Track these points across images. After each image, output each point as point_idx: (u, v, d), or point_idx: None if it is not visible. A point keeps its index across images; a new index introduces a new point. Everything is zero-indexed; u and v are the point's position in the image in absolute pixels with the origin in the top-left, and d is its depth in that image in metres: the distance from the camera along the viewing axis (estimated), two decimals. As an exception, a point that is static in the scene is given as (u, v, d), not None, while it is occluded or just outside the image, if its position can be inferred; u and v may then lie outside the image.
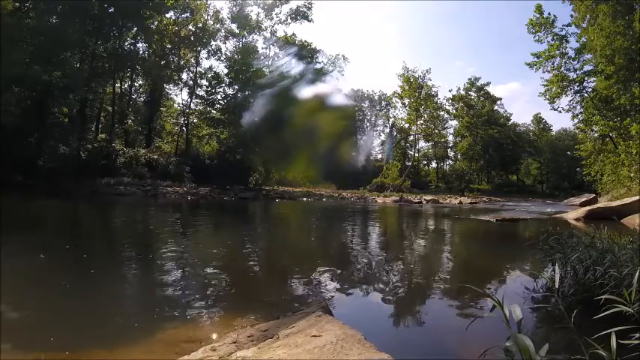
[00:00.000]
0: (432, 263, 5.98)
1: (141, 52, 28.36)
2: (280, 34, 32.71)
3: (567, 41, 23.06)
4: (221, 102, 29.64)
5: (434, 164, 52.24)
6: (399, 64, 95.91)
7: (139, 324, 2.99)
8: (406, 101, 43.14)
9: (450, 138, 49.88)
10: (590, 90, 23.18)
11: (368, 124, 52.31)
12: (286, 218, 14.39)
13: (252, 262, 5.56)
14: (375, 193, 30.09)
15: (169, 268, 4.84)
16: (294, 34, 33.03)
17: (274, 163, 28.44)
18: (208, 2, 30.63)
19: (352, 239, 8.64)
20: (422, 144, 48.70)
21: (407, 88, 41.36)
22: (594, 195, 23.49)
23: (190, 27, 29.53)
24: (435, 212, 17.40)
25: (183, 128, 31.17)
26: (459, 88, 47.71)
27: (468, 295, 3.94)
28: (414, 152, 47.13)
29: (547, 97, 24.39)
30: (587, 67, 23.09)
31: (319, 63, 35.88)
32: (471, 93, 47.78)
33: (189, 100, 30.84)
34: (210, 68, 31.15)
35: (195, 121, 31.05)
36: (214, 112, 29.95)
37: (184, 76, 31.32)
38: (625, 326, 1.58)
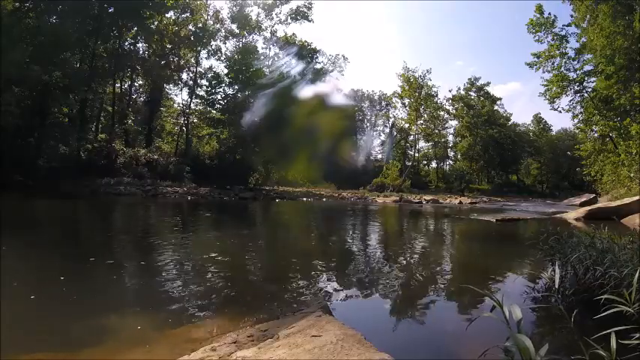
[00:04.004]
0: (431, 263, 5.97)
1: (141, 52, 28.38)
2: (280, 34, 32.77)
3: (567, 41, 23.10)
4: (221, 102, 29.64)
5: (434, 164, 52.15)
6: (399, 64, 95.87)
7: (139, 324, 2.99)
8: (406, 101, 43.13)
9: (450, 138, 49.86)
10: (590, 90, 23.19)
11: (368, 124, 52.26)
12: (286, 218, 14.39)
13: (252, 262, 5.56)
14: (375, 193, 30.07)
15: (169, 268, 4.85)
16: (294, 34, 33.10)
17: (274, 163, 28.49)
18: (208, 2, 30.66)
19: (352, 239, 8.64)
20: (422, 144, 48.61)
21: (407, 88, 41.32)
22: (594, 195, 23.47)
23: (190, 27, 29.52)
24: (435, 212, 17.40)
25: (183, 128, 31.16)
26: (459, 88, 47.68)
27: (468, 295, 3.94)
28: (414, 152, 47.07)
29: (547, 97, 24.41)
30: (587, 67, 23.14)
31: (319, 63, 35.94)
32: (471, 93, 47.73)
33: (189, 100, 30.87)
34: (210, 68, 31.22)
35: (195, 121, 31.04)
36: (214, 112, 29.94)
37: (184, 76, 31.36)
38: (625, 326, 1.58)
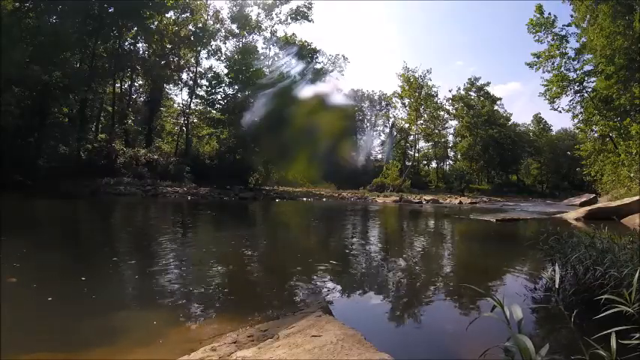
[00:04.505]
0: (432, 263, 5.98)
1: (141, 52, 28.37)
2: (280, 34, 32.75)
3: (567, 41, 23.10)
4: (221, 102, 29.64)
5: (434, 164, 52.15)
6: (399, 64, 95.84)
7: (139, 324, 2.99)
8: (406, 101, 43.14)
9: (450, 138, 49.86)
10: (590, 90, 23.19)
11: (368, 124, 52.26)
12: (286, 218, 14.39)
13: (252, 262, 5.56)
14: (375, 193, 30.07)
15: (169, 268, 4.85)
16: (294, 34, 33.07)
17: (274, 163, 28.47)
18: (208, 2, 30.66)
19: (352, 239, 8.63)
20: (422, 144, 48.61)
21: (407, 88, 41.33)
22: (594, 195, 23.47)
23: (190, 27, 29.51)
24: (435, 212, 17.40)
25: (183, 128, 31.16)
26: (459, 88, 47.67)
27: (468, 295, 3.94)
28: (414, 152, 47.05)
29: (547, 97, 24.41)
30: (587, 67, 23.13)
31: (319, 63, 35.93)
32: (471, 93, 47.71)
33: (189, 100, 30.87)
34: (210, 68, 31.22)
35: (195, 121, 31.04)
36: (214, 112, 29.94)
37: (184, 76, 31.35)
38: (625, 326, 1.58)
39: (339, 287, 4.26)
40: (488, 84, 47.53)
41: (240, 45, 31.23)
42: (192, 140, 30.76)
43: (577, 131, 31.06)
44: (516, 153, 49.38)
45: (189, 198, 18.47)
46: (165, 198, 17.97)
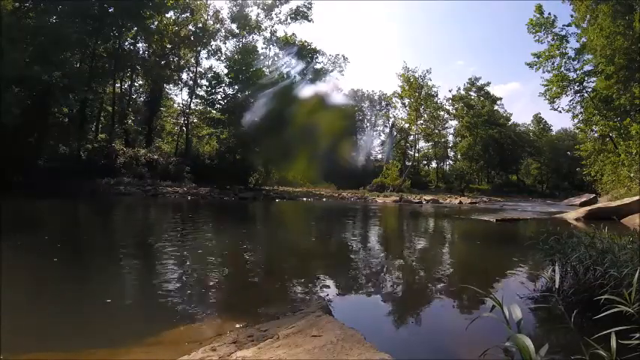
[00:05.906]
0: (431, 263, 5.98)
1: (141, 52, 28.39)
2: (280, 34, 32.81)
3: (567, 41, 23.12)
4: (221, 102, 29.65)
5: (434, 164, 52.19)
6: (399, 64, 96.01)
7: (139, 324, 2.99)
8: (406, 101, 43.18)
9: (450, 138, 49.90)
10: (590, 90, 23.20)
11: (368, 124, 52.31)
12: (286, 218, 14.39)
13: (252, 263, 5.56)
14: (375, 193, 30.05)
15: (169, 268, 4.85)
16: (294, 34, 33.14)
17: (274, 163, 28.48)
18: (208, 2, 30.68)
19: (352, 239, 8.63)
20: (422, 144, 48.68)
21: (407, 88, 41.35)
22: (594, 195, 23.47)
23: (190, 27, 29.54)
24: (435, 212, 17.39)
25: (183, 128, 31.18)
26: (459, 88, 47.70)
27: (468, 295, 3.94)
28: (414, 152, 47.08)
29: (547, 97, 24.42)
30: (587, 67, 23.15)
31: (319, 63, 35.96)
32: (471, 93, 47.72)
33: (189, 100, 30.92)
34: (210, 68, 31.29)
35: (195, 121, 31.06)
36: (214, 112, 29.97)
37: (184, 76, 31.42)
38: (625, 326, 1.58)
39: (339, 287, 4.26)
40: (488, 84, 47.61)
41: (240, 45, 31.26)
42: (192, 140, 30.78)
43: (577, 131, 31.07)
44: (516, 153, 49.42)
45: (189, 198, 18.47)
46: (165, 198, 17.96)
